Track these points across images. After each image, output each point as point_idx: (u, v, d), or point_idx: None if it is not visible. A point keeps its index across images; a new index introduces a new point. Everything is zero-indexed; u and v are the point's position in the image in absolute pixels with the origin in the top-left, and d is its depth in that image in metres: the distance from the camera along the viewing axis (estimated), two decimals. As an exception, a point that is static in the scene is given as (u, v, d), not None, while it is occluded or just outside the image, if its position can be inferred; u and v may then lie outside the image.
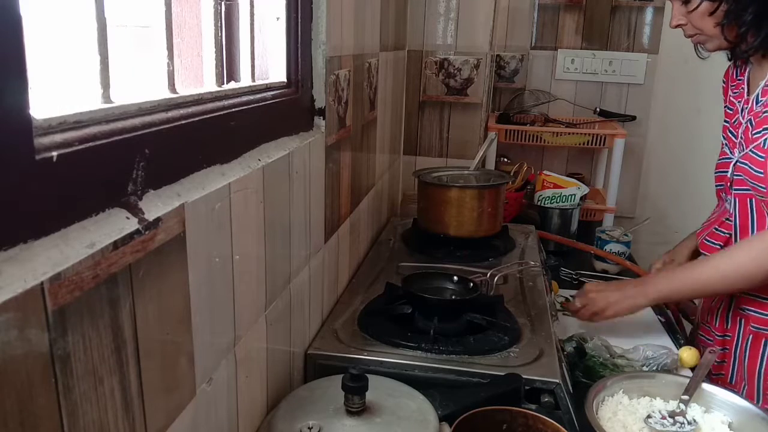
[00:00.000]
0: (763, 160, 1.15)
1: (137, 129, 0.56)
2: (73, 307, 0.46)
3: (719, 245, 1.29)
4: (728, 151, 1.28)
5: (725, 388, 1.06)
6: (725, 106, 1.34)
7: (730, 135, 1.29)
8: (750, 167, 1.18)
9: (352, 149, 1.32)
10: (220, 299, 0.72)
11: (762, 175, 1.15)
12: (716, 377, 1.31)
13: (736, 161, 1.23)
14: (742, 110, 1.25)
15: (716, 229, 1.31)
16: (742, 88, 1.28)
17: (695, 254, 1.43)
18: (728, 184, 1.26)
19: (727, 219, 1.29)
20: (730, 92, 1.33)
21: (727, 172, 1.27)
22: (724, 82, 1.37)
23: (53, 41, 0.61)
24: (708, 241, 1.33)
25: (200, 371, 0.67)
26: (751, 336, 1.25)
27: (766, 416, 0.96)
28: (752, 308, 1.25)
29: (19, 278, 0.41)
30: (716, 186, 1.35)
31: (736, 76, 1.31)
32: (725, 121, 1.32)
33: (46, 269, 0.43)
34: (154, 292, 0.57)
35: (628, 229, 1.84)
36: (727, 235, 1.28)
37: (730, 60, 1.32)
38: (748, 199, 1.22)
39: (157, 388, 0.59)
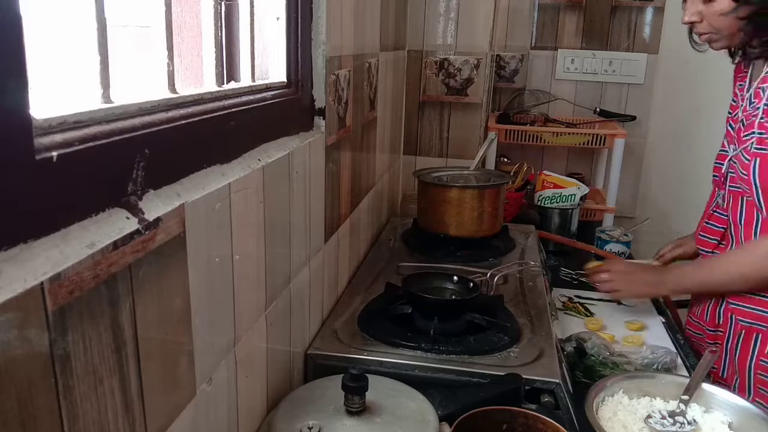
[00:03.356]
0: (748, 162, 1.17)
1: (137, 129, 0.56)
2: (73, 307, 0.46)
3: (715, 240, 1.31)
4: (726, 144, 1.29)
5: (718, 383, 1.06)
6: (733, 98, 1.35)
7: (729, 128, 1.30)
8: (738, 167, 1.20)
9: (352, 149, 1.32)
10: (220, 299, 0.72)
11: (746, 177, 1.17)
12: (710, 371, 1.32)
13: (731, 157, 1.25)
14: (740, 106, 1.26)
15: (707, 223, 1.33)
16: (745, 83, 1.28)
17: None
18: (722, 178, 1.28)
19: (718, 212, 1.30)
20: (736, 85, 1.33)
21: (722, 165, 1.29)
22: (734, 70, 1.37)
23: (53, 41, 0.61)
24: (702, 236, 1.35)
25: (200, 371, 0.67)
26: (743, 331, 1.25)
27: (766, 416, 0.96)
28: (740, 303, 1.26)
29: (19, 278, 0.41)
30: (713, 176, 1.36)
31: (743, 69, 1.31)
32: (728, 113, 1.33)
33: (46, 269, 0.43)
34: (154, 292, 0.57)
35: (628, 229, 1.84)
36: (722, 230, 1.29)
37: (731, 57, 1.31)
38: (740, 196, 1.23)
39: (157, 388, 0.59)
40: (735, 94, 1.31)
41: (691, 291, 1.36)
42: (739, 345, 1.26)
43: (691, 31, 1.27)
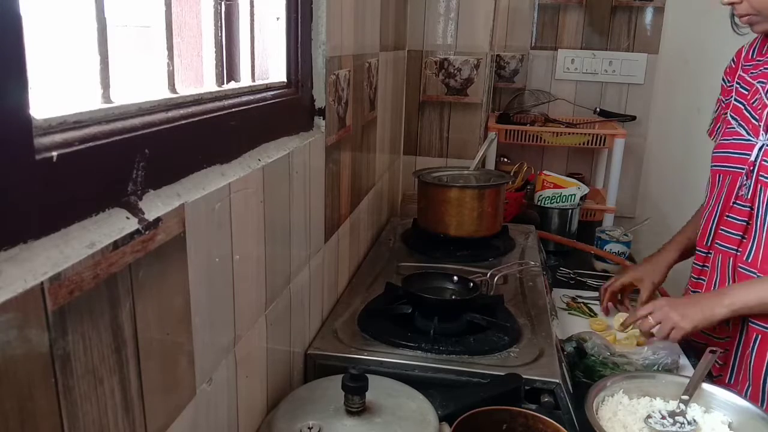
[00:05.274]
0: None
1: (137, 129, 0.56)
2: (73, 307, 0.46)
3: (739, 235, 1.24)
4: (745, 133, 1.24)
5: (725, 388, 1.05)
6: (734, 85, 1.31)
7: (747, 115, 1.24)
8: None
9: (352, 149, 1.32)
10: (220, 299, 0.72)
11: None
12: (715, 378, 1.30)
13: (763, 146, 1.19)
14: (762, 95, 1.21)
15: (729, 217, 1.26)
16: (758, 72, 1.24)
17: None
18: (750, 168, 1.21)
19: (739, 204, 1.24)
20: (740, 71, 1.30)
21: (746, 155, 1.22)
22: (733, 62, 1.34)
23: (53, 41, 0.61)
24: (724, 231, 1.27)
25: (200, 371, 0.67)
26: (759, 336, 1.20)
27: (766, 416, 0.96)
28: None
29: (19, 278, 0.41)
30: (717, 166, 1.30)
31: (753, 56, 1.29)
32: (737, 101, 1.29)
33: (46, 269, 0.43)
34: (154, 292, 0.57)
35: (628, 229, 1.84)
36: (745, 223, 1.23)
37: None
38: None
39: (157, 388, 0.59)
40: (746, 82, 1.27)
41: (753, 308, 1.19)
42: (754, 351, 1.22)
43: (733, 14, 1.24)
